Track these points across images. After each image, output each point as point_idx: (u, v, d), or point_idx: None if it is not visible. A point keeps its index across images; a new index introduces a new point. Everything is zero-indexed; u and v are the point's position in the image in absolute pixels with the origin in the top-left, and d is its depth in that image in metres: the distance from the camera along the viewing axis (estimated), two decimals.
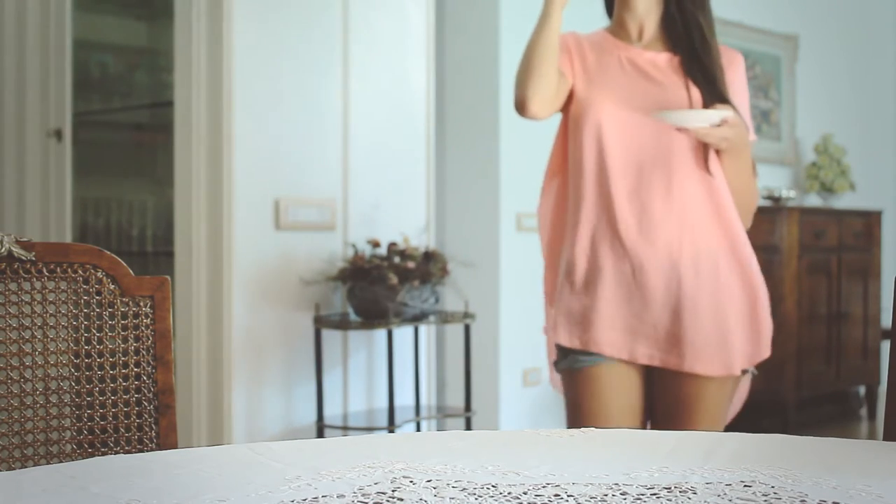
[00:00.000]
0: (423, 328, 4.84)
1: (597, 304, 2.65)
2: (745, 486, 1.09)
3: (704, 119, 2.56)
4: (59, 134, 4.89)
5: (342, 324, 4.48)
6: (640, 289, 2.62)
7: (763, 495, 1.05)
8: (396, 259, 4.42)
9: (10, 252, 1.59)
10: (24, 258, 1.60)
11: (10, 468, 1.56)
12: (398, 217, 4.76)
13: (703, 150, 2.67)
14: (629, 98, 2.72)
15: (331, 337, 4.59)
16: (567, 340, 2.70)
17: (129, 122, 6.10)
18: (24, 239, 1.62)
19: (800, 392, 6.20)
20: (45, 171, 4.95)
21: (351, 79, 4.66)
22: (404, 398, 4.76)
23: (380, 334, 4.70)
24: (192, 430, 4.24)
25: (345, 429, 4.48)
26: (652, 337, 2.63)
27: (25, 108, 4.97)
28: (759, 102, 6.96)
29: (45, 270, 1.62)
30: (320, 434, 4.46)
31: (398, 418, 4.49)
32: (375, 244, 4.52)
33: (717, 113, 2.56)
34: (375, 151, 4.73)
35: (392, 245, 4.49)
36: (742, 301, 2.64)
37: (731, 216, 2.65)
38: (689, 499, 1.04)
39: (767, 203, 6.44)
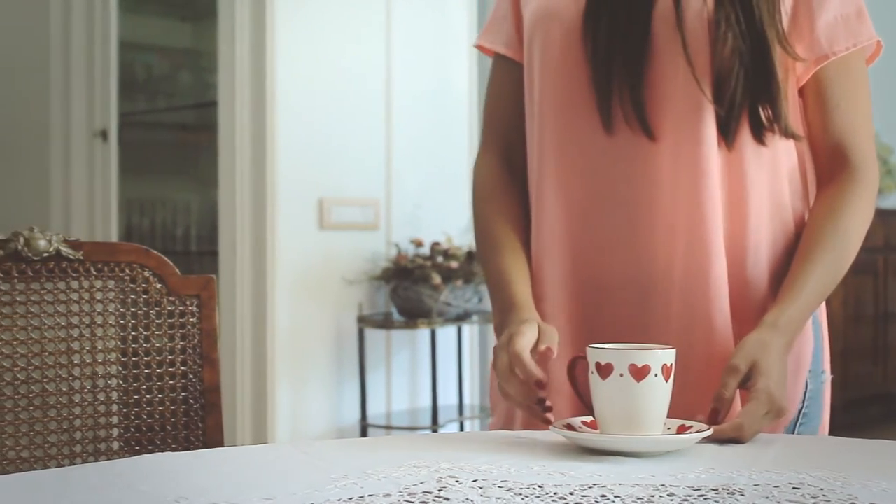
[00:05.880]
0: (466, 328, 4.84)
1: None
2: (794, 487, 1.08)
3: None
4: (104, 134, 4.93)
5: (385, 323, 4.49)
6: None
7: (812, 497, 1.04)
8: (440, 259, 4.43)
9: (58, 251, 1.60)
10: (72, 257, 1.61)
11: (58, 465, 1.57)
12: (441, 216, 4.75)
13: None
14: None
15: (374, 336, 4.59)
16: None
17: (173, 122, 6.14)
18: (72, 238, 1.63)
19: (846, 393, 6.14)
20: (91, 171, 4.99)
21: (394, 79, 4.66)
22: (447, 398, 4.76)
23: (423, 334, 4.70)
24: (235, 429, 4.26)
25: (388, 428, 4.49)
26: None
27: (72, 108, 5.01)
28: None
29: (92, 270, 1.63)
30: (364, 433, 4.47)
31: (441, 418, 4.49)
32: (418, 244, 4.53)
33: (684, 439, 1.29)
34: (418, 151, 4.74)
35: (435, 245, 4.49)
36: None
37: None
38: (737, 500, 1.04)
39: None
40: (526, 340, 1.40)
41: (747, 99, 1.49)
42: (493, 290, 1.62)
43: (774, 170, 1.55)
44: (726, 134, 1.50)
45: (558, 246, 1.59)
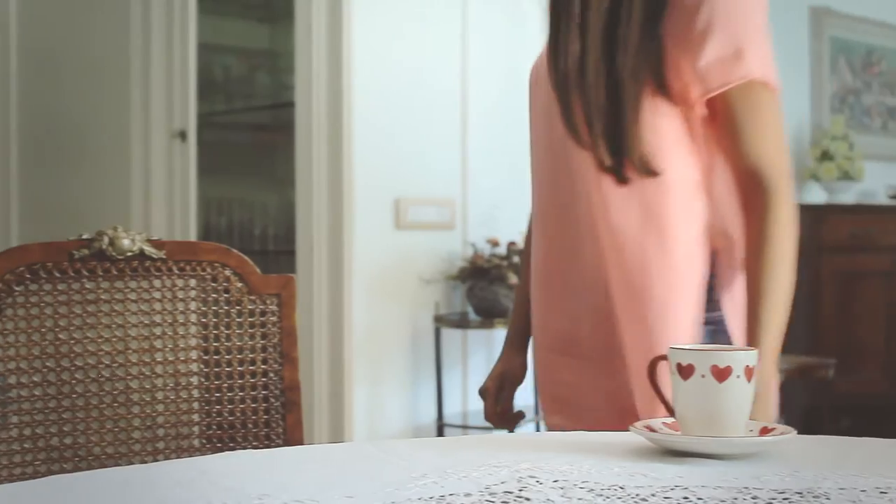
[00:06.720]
0: None
1: None
2: (881, 492, 1.06)
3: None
4: (183, 135, 4.98)
5: (462, 323, 4.49)
6: None
7: None
8: (516, 258, 4.42)
9: (142, 250, 1.62)
10: (155, 256, 1.63)
11: (142, 461, 1.59)
12: (517, 216, 4.74)
13: None
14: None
15: (450, 336, 4.60)
16: None
17: (251, 122, 6.20)
18: (154, 238, 1.65)
19: None
20: (170, 171, 5.04)
21: (469, 79, 4.67)
22: (524, 398, 4.73)
23: (499, 333, 4.69)
24: (313, 427, 4.29)
25: (464, 428, 4.49)
26: None
27: (151, 109, 5.07)
28: (886, 99, 6.80)
29: (174, 268, 1.65)
30: (440, 433, 4.47)
31: None
32: (495, 243, 4.52)
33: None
34: (494, 151, 4.73)
35: (511, 244, 4.48)
36: None
37: None
38: None
39: (892, 203, 6.30)
40: (492, 403, 2.09)
41: (607, 141, 1.68)
42: None
43: (656, 192, 1.68)
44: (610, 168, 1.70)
45: (536, 249, 1.90)
